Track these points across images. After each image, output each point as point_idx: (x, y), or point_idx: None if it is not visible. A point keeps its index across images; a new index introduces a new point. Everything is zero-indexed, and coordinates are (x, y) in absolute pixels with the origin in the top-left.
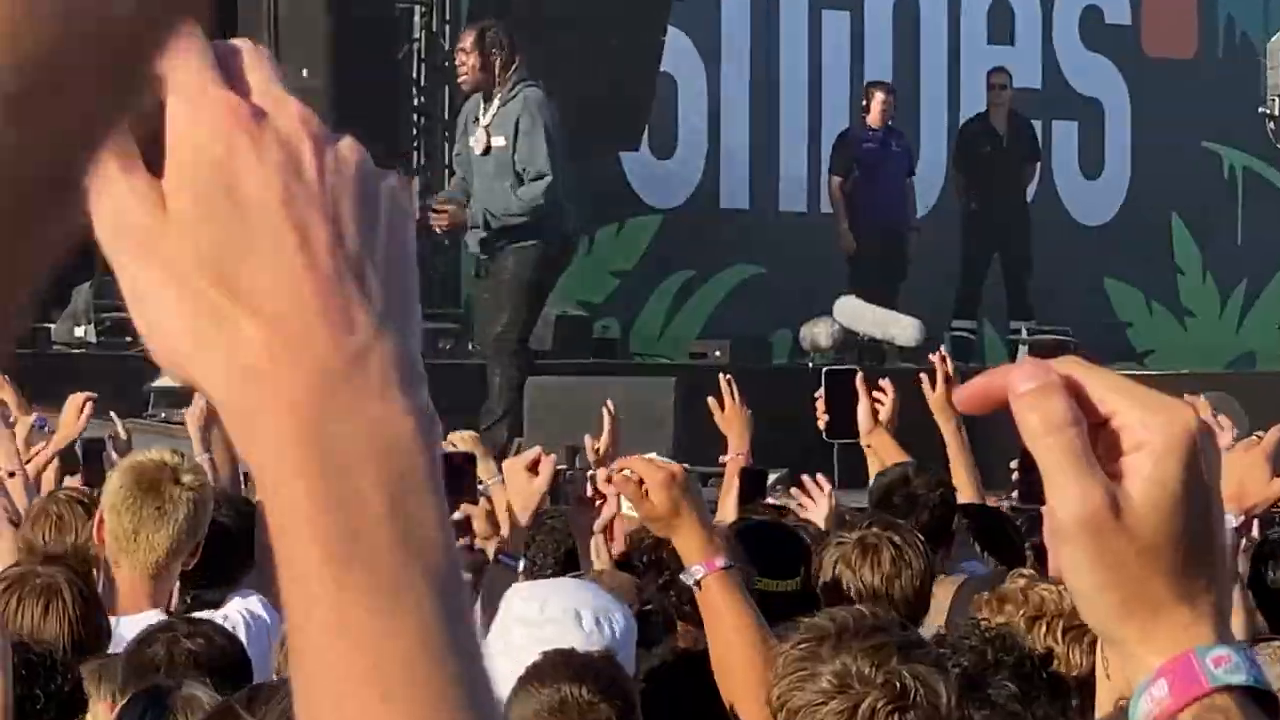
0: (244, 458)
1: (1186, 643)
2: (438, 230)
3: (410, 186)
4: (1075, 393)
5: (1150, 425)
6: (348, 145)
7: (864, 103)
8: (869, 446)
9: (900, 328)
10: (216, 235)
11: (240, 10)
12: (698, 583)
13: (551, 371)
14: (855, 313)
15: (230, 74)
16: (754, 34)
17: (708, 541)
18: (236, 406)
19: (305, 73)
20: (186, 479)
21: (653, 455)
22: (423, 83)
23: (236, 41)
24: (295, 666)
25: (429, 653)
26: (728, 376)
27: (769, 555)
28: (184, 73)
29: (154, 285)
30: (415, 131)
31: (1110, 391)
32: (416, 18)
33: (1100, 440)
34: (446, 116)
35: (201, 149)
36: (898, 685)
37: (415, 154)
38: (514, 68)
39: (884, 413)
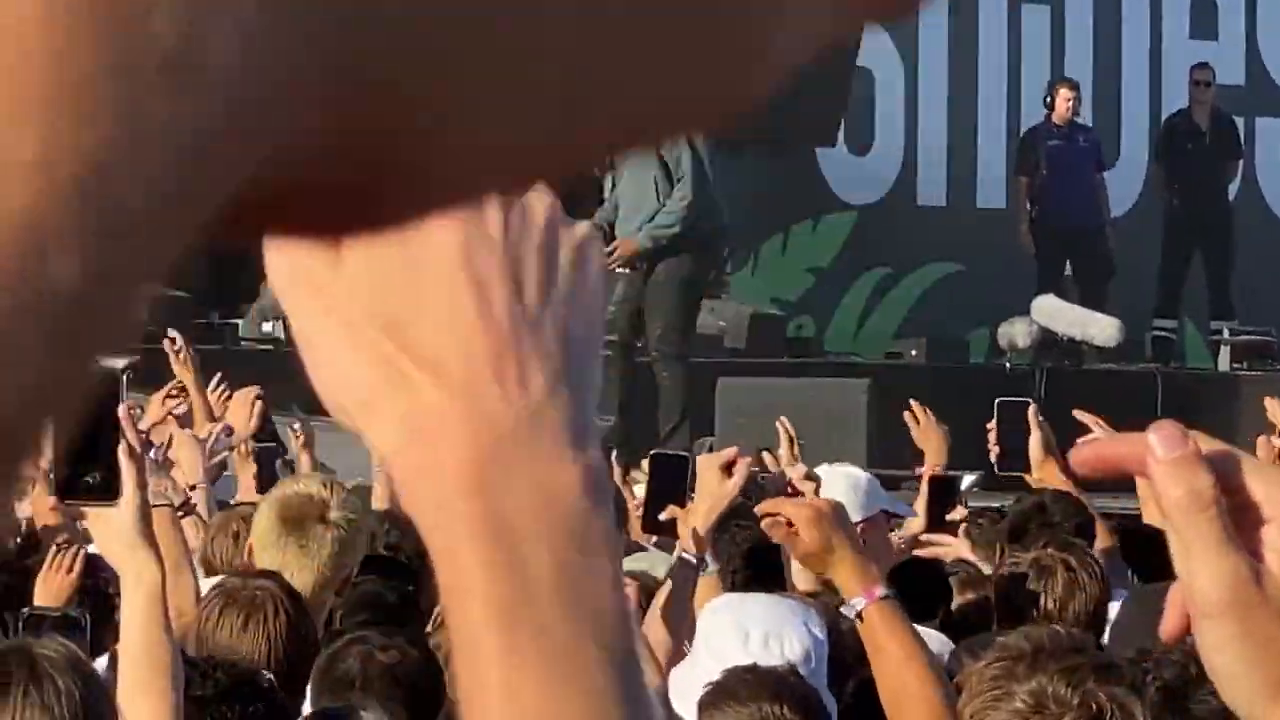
0: (410, 513)
1: None
2: (616, 270)
3: (599, 237)
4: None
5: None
6: (536, 196)
7: (1048, 99)
8: (1039, 480)
9: (1099, 328)
10: (391, 289)
11: None
12: (859, 615)
13: (745, 371)
14: (1053, 312)
15: None
16: (951, 28)
17: (864, 573)
18: (406, 463)
19: None
20: (334, 515)
21: (806, 477)
22: None
23: None
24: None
25: (599, 713)
26: (917, 404)
27: (909, 596)
28: None
29: (326, 335)
30: None
31: (1240, 465)
32: None
33: (1232, 515)
34: None
35: None
36: (1093, 707)
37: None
38: None
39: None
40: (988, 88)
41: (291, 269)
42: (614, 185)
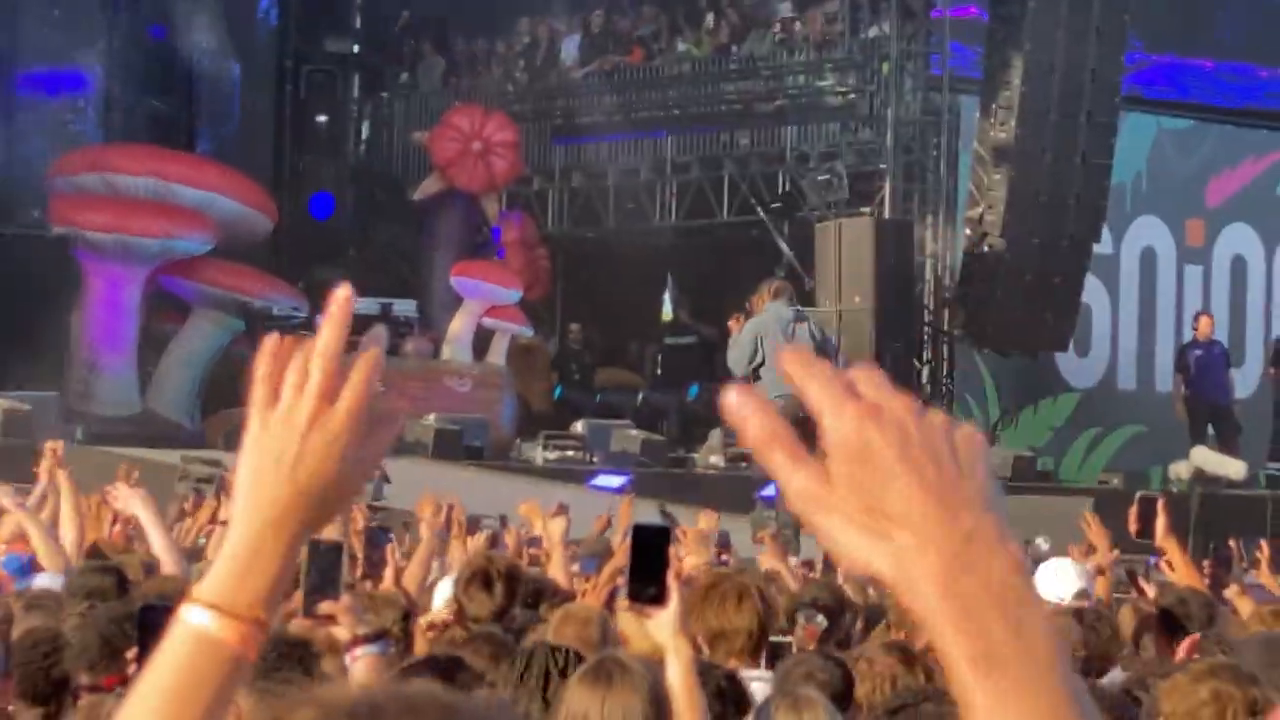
0: (911, 608)
1: None
2: None
3: (975, 429)
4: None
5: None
6: (936, 414)
7: (1195, 324)
8: (1160, 549)
9: (1234, 468)
10: (864, 483)
11: (817, 257)
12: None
13: (1012, 492)
14: (1204, 456)
15: (856, 390)
16: (1140, 281)
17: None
18: (902, 583)
19: (858, 299)
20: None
21: None
22: (931, 306)
23: (857, 370)
24: None
25: None
26: (1088, 513)
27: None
28: (828, 397)
29: (833, 524)
30: (926, 338)
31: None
32: (929, 265)
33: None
34: (956, 334)
35: (846, 436)
36: (1255, 698)
37: (925, 351)
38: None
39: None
40: (1163, 315)
41: (802, 495)
42: None
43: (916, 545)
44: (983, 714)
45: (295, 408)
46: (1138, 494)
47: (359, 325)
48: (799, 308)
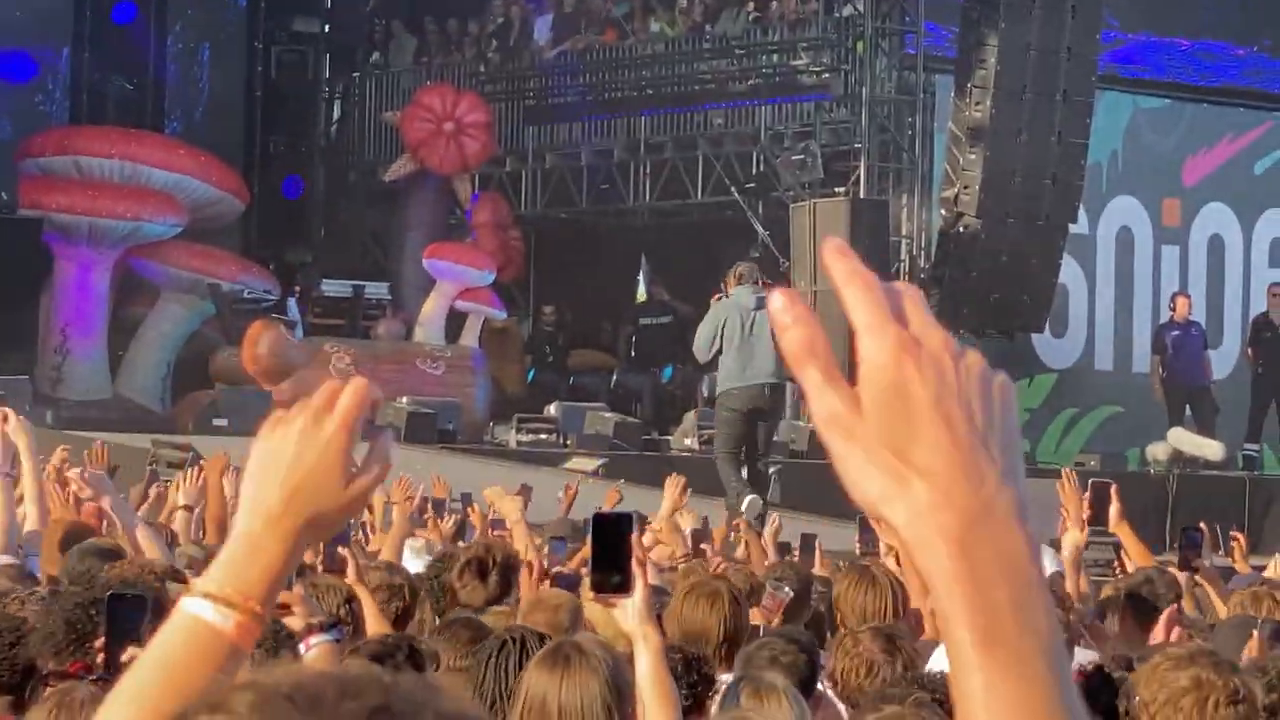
0: (918, 568)
1: None
2: None
3: (1010, 381)
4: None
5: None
6: (973, 356)
7: (1172, 304)
8: (1112, 533)
9: (1211, 449)
10: (894, 423)
11: (792, 237)
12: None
13: None
14: (1181, 438)
15: (896, 309)
16: (1117, 261)
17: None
18: (913, 536)
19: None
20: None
21: None
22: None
23: (899, 285)
24: (961, 713)
25: (1050, 705)
26: (1067, 470)
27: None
28: (867, 313)
29: (854, 455)
30: None
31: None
32: (903, 246)
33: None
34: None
35: (883, 368)
36: (1235, 688)
37: None
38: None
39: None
40: (1139, 296)
41: (828, 415)
42: None
43: (937, 501)
44: (978, 685)
45: (293, 418)
46: (1090, 480)
47: (331, 307)
48: (763, 294)
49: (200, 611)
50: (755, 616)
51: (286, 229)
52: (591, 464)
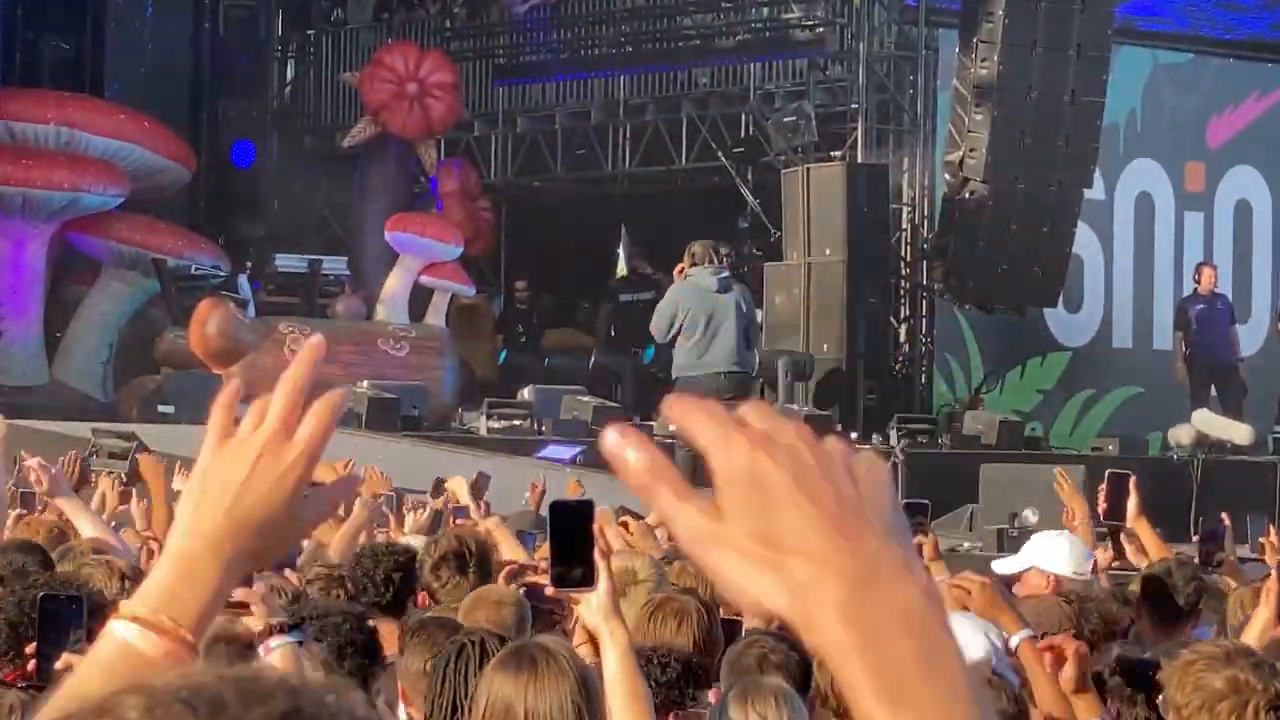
0: (810, 642)
1: None
2: None
3: (879, 458)
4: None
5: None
6: (834, 440)
7: (1196, 276)
8: (1131, 530)
9: (1239, 432)
10: (757, 515)
11: (785, 206)
12: (1015, 647)
13: (997, 459)
14: (1207, 421)
15: (740, 421)
16: (1136, 230)
17: (1020, 619)
18: (799, 616)
19: (828, 252)
20: (641, 576)
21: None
22: (907, 258)
23: (744, 407)
24: None
25: None
26: (1061, 472)
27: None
28: (709, 430)
29: (726, 560)
30: (903, 293)
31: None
32: (904, 214)
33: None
34: (936, 288)
35: (735, 467)
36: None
37: (903, 308)
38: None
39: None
40: (1160, 266)
41: (690, 534)
42: None
43: (815, 574)
44: None
45: (250, 438)
46: (1107, 471)
47: (285, 283)
48: (726, 273)
49: (128, 636)
50: (749, 620)
51: (237, 200)
52: (567, 452)
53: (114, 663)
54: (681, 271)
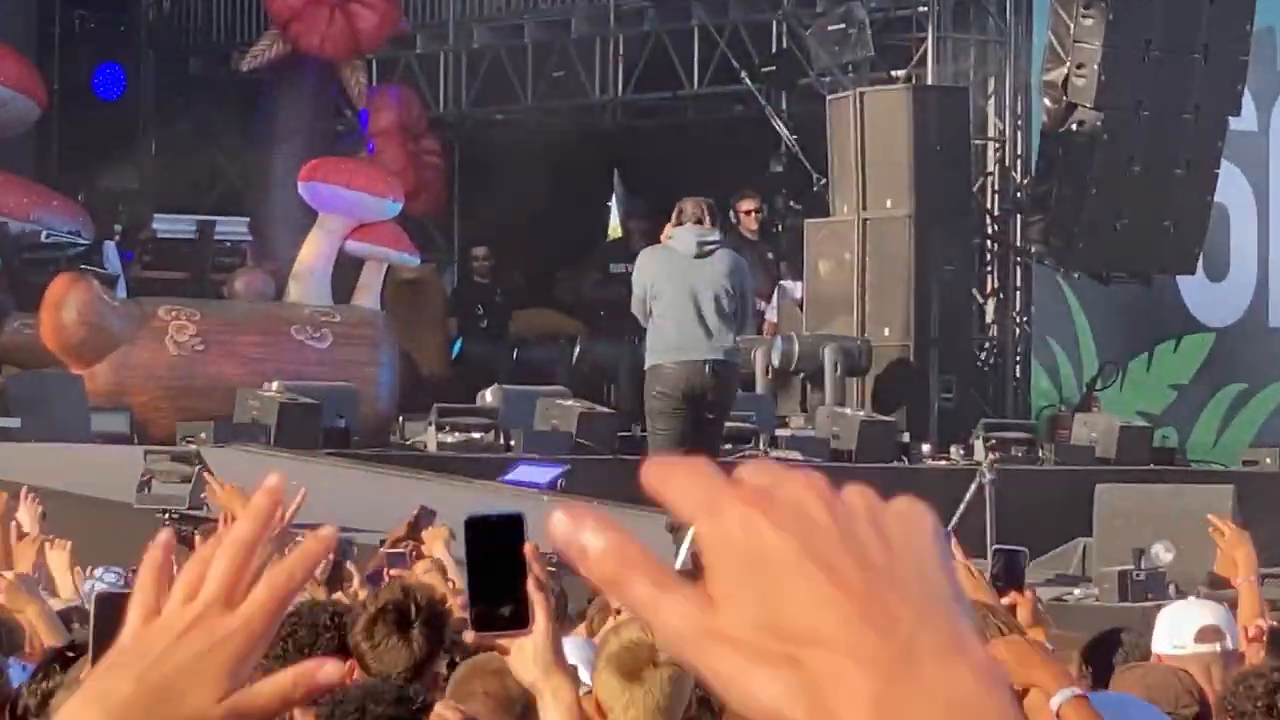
0: None
1: None
2: None
3: (915, 502)
4: None
5: None
6: (855, 491)
7: None
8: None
9: None
10: (758, 598)
11: (831, 143)
12: (1059, 709)
13: (1114, 478)
14: None
15: (730, 478)
16: None
17: (1064, 674)
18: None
19: (889, 204)
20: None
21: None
22: (995, 211)
23: (742, 467)
24: None
25: None
26: (1215, 517)
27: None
28: (693, 495)
29: (728, 661)
30: (989, 257)
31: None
32: (990, 152)
33: None
34: (1033, 252)
35: (726, 540)
36: None
37: (990, 277)
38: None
39: None
40: None
41: (675, 631)
42: None
43: (837, 668)
44: None
45: (179, 614)
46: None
47: (167, 253)
48: (715, 236)
49: None
50: None
51: (101, 142)
52: (544, 475)
53: None
54: (666, 234)
